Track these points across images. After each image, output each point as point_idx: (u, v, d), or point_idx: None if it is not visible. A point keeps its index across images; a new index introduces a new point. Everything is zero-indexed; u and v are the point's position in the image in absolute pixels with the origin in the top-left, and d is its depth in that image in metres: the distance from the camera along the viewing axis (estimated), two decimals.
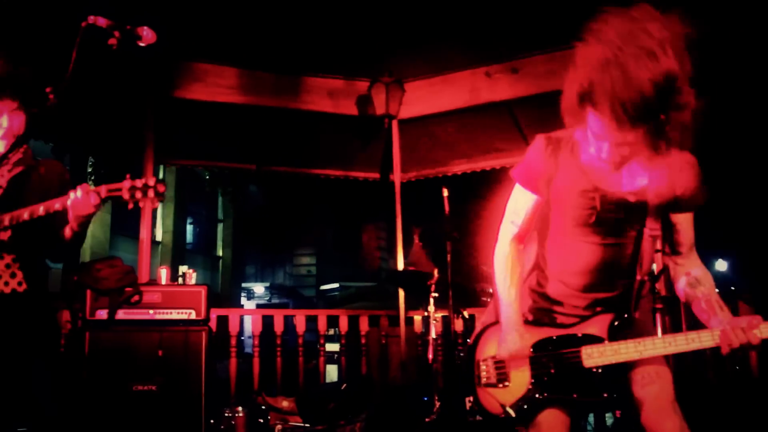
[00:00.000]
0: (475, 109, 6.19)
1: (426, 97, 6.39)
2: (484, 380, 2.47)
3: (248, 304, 19.23)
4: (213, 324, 5.18)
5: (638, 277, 2.31)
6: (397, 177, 6.55)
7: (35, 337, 2.66)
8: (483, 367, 2.49)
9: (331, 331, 9.38)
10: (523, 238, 2.51)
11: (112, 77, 5.32)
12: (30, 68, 2.74)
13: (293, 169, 7.07)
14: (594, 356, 2.27)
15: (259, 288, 19.65)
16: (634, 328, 2.29)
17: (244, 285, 20.64)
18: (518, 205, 2.46)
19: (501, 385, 2.42)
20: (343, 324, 6.13)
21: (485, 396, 2.46)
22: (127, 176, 2.36)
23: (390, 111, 6.20)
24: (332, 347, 8.62)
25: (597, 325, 2.32)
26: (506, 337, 2.39)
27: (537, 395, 2.34)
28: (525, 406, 2.35)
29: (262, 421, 4.83)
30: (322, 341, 6.01)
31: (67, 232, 2.58)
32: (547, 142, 2.35)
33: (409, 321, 6.14)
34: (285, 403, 4.94)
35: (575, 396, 2.31)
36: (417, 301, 5.63)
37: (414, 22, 5.48)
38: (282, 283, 21.23)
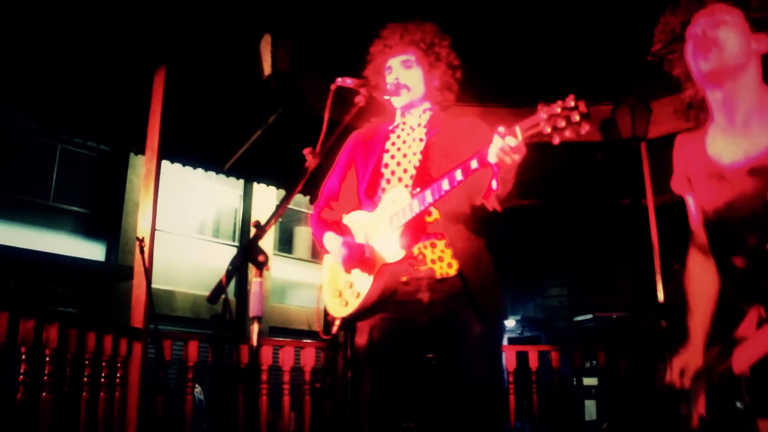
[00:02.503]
0: None
1: (675, 114, 6.00)
2: None
3: None
4: None
5: None
6: (650, 201, 6.19)
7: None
8: None
9: (587, 365, 9.02)
10: (704, 249, 2.25)
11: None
12: None
13: (537, 202, 6.98)
14: None
15: (510, 322, 19.48)
16: None
17: None
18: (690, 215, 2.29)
19: None
20: (600, 358, 5.85)
21: None
22: (539, 105, 2.00)
23: (637, 133, 5.91)
24: (590, 381, 8.29)
25: None
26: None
27: None
28: None
29: None
30: (579, 378, 5.80)
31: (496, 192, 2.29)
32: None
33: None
34: None
35: None
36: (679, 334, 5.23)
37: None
38: (533, 315, 20.85)
